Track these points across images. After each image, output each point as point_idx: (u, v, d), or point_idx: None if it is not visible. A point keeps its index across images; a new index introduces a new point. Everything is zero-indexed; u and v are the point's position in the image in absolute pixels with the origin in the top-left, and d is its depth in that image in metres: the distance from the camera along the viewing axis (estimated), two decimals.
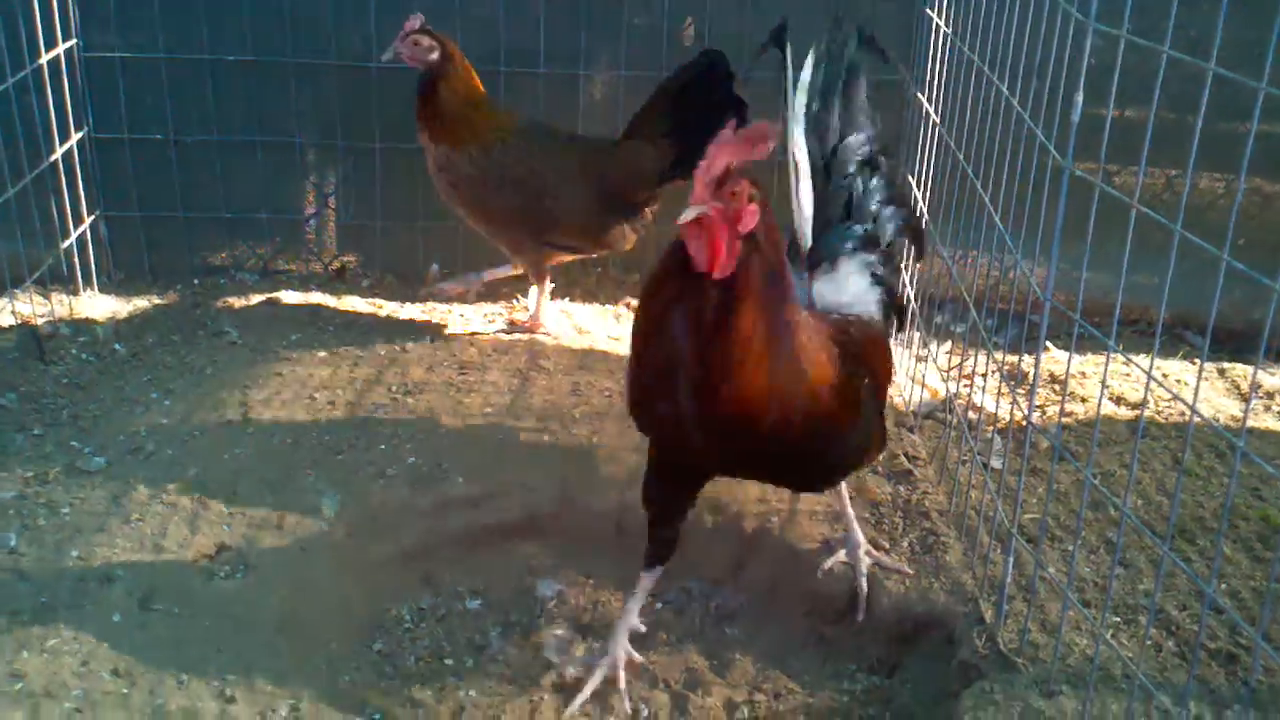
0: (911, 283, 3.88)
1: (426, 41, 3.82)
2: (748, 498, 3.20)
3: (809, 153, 2.82)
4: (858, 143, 2.97)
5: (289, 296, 4.39)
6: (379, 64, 4.01)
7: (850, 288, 2.83)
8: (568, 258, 4.17)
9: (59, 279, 4.24)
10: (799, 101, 2.83)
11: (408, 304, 4.27)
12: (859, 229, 2.92)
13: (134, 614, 2.65)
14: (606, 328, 4.19)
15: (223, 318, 4.21)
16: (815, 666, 2.87)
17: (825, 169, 2.92)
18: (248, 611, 2.73)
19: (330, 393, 3.63)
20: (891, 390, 3.78)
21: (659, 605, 3.06)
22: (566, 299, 4.39)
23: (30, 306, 4.07)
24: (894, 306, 2.97)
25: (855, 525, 3.05)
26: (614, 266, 4.62)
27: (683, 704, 2.73)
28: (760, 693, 2.77)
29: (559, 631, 2.95)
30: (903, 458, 3.44)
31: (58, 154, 4.09)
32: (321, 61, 4.13)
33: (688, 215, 2.14)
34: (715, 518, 3.16)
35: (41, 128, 4.01)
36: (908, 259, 3.24)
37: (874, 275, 2.89)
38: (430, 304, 4.27)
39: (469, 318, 4.23)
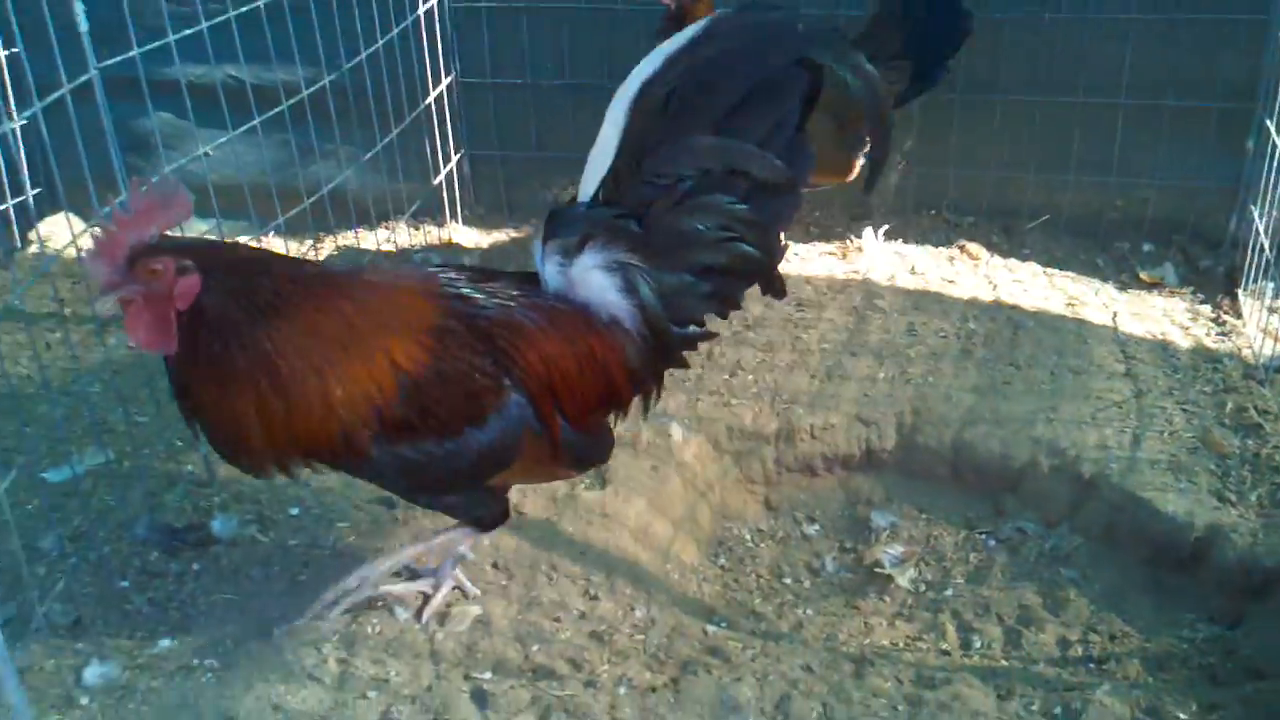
0: (1267, 232, 3.74)
1: None
2: (1085, 443, 3.21)
3: (624, 128, 2.28)
4: (704, 147, 2.29)
5: None
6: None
7: (590, 284, 2.37)
8: None
9: (428, 212, 4.64)
10: (632, 78, 2.30)
11: None
12: (607, 214, 2.33)
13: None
14: (940, 270, 4.23)
15: None
16: (1152, 612, 2.87)
17: (636, 159, 2.30)
18: (608, 520, 2.96)
19: None
20: (1240, 342, 3.68)
21: (992, 543, 3.13)
22: (900, 240, 4.44)
23: (407, 236, 4.47)
24: (650, 330, 2.40)
25: (448, 568, 2.66)
26: (948, 210, 4.63)
27: (1015, 638, 2.80)
28: (1094, 633, 2.80)
29: (892, 550, 3.08)
30: (1252, 411, 3.35)
31: (431, 98, 4.45)
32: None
33: (102, 306, 2.07)
34: (1052, 461, 3.18)
35: (418, 74, 4.37)
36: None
37: (625, 282, 2.36)
38: None
39: (805, 257, 4.35)
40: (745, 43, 2.32)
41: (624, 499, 3.03)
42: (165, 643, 2.53)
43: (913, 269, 4.22)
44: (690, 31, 2.31)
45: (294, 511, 2.95)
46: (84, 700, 2.37)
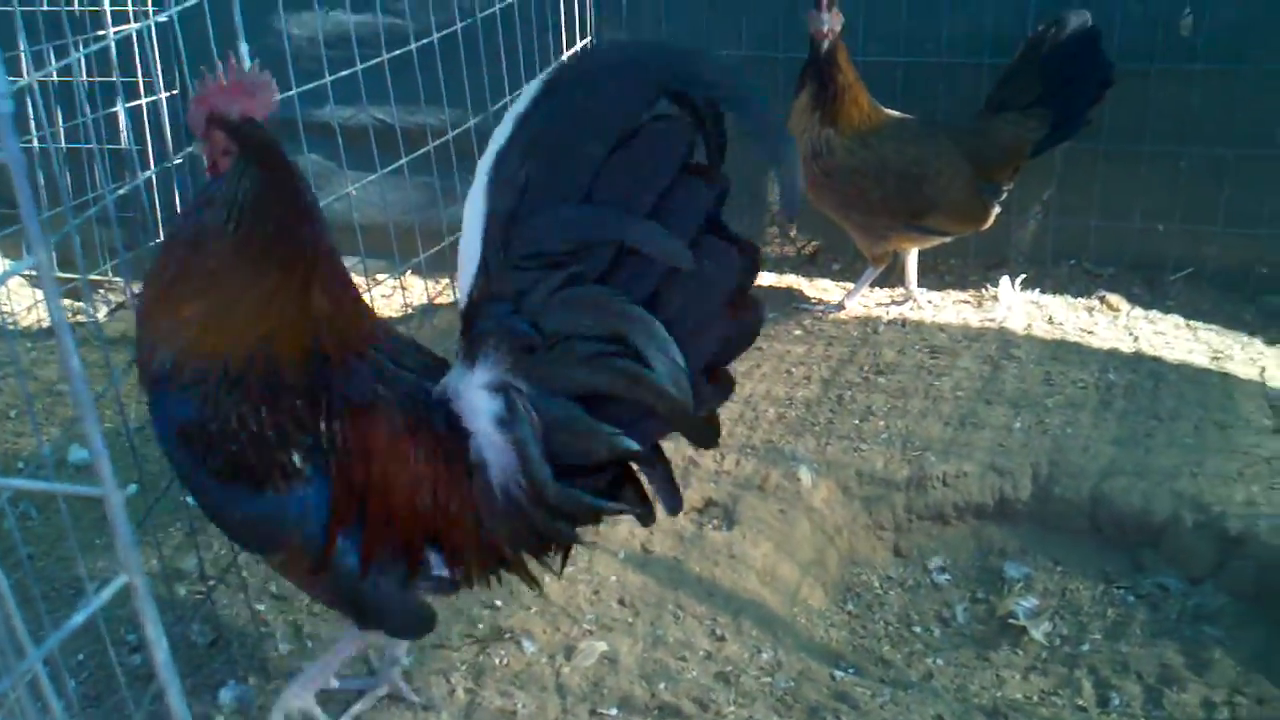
0: None
1: (839, 16, 3.89)
2: (1232, 499, 3.09)
3: (486, 212, 1.93)
4: (566, 216, 1.89)
5: (765, 277, 4.62)
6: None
7: (473, 408, 2.03)
8: (928, 242, 4.21)
9: None
10: (489, 149, 1.94)
11: (877, 289, 4.39)
12: (506, 313, 1.96)
13: (636, 554, 2.93)
14: (1078, 320, 4.14)
15: None
16: None
17: (504, 242, 1.93)
18: (735, 561, 2.94)
19: (806, 368, 3.82)
20: None
21: (1131, 599, 3.03)
22: (1037, 290, 4.36)
23: None
24: (523, 479, 2.01)
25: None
26: (1087, 260, 4.54)
27: (1156, 697, 2.70)
28: (1241, 695, 2.68)
29: (1026, 602, 3.00)
30: None
31: None
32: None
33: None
34: (1196, 516, 3.07)
35: None
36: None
37: (506, 410, 1.98)
38: (899, 289, 4.37)
39: (939, 304, 4.30)
40: (596, 86, 1.90)
41: (751, 541, 3.01)
42: (299, 664, 2.58)
43: (1050, 319, 4.14)
44: (537, 82, 1.93)
45: None
46: (219, 719, 2.42)
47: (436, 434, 2.05)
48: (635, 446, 1.96)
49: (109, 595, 0.85)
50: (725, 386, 1.98)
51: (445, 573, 2.11)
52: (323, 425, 2.01)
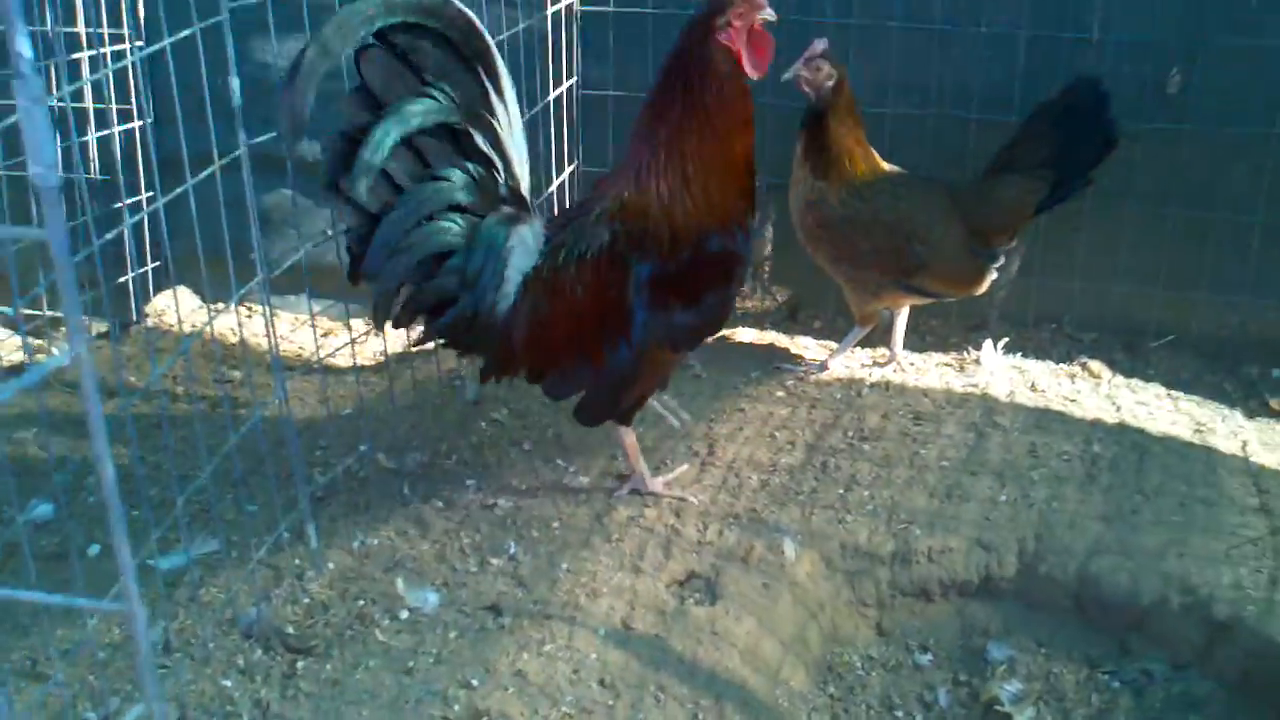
0: None
1: (827, 69, 3.85)
2: (1219, 581, 3.06)
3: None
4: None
5: (745, 334, 4.57)
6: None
7: None
8: (919, 302, 4.18)
9: None
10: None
11: (859, 349, 4.35)
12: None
13: (617, 630, 2.86)
14: (1061, 387, 4.10)
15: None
16: None
17: None
18: (716, 639, 2.88)
19: (789, 432, 3.76)
20: None
21: (1116, 684, 2.99)
22: (1019, 354, 4.33)
23: None
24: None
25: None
26: (1068, 324, 4.51)
27: None
28: None
29: (1010, 686, 2.95)
30: None
31: (550, 98, 4.46)
32: None
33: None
34: (1183, 599, 3.04)
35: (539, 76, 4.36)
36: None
37: None
38: (881, 350, 4.33)
39: (921, 367, 4.26)
40: None
41: (734, 617, 2.95)
42: None
43: (1033, 385, 4.11)
44: None
45: (404, 615, 2.91)
46: None
47: None
48: None
49: None
50: None
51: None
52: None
